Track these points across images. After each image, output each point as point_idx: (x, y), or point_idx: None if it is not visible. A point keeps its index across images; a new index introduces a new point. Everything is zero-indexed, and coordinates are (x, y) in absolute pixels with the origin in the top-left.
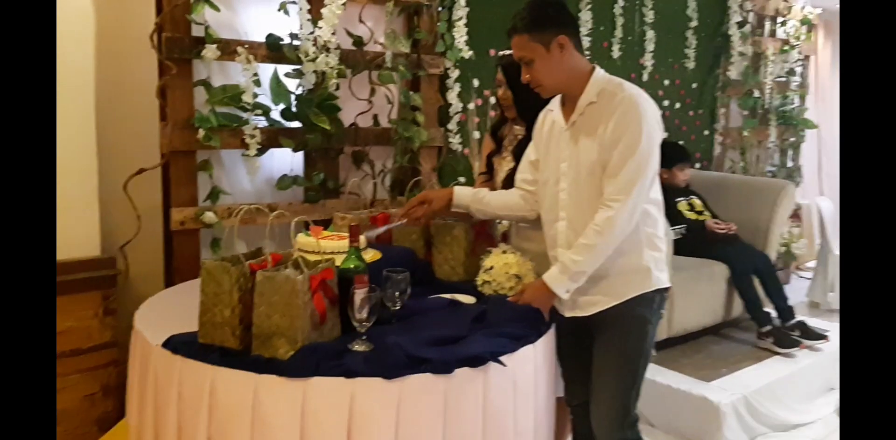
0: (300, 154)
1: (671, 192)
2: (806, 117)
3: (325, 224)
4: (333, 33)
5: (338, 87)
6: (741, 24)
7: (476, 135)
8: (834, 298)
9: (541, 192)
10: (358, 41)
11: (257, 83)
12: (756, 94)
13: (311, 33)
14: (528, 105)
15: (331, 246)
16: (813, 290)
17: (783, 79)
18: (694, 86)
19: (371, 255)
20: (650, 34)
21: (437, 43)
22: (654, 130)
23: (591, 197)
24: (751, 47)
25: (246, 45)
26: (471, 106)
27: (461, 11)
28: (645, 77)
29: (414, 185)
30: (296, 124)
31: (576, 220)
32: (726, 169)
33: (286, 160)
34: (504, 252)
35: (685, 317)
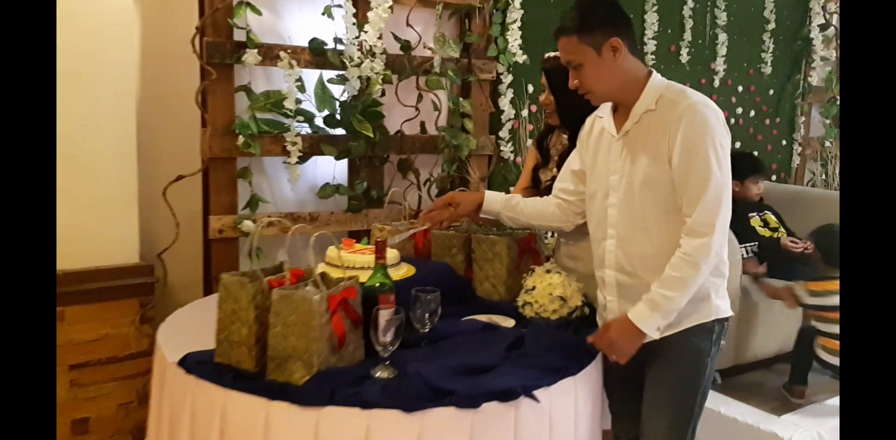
0: (344, 162)
1: (743, 207)
2: None
3: (368, 234)
4: (380, 37)
5: (383, 94)
6: (824, 27)
7: (529, 143)
8: None
9: (588, 207)
10: (405, 46)
11: (301, 89)
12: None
13: (357, 37)
14: (572, 112)
15: (355, 260)
16: None
17: None
18: (771, 92)
19: (404, 271)
20: (722, 37)
21: (490, 47)
22: (725, 141)
23: (643, 213)
24: (834, 51)
25: (289, 50)
26: (524, 112)
27: (515, 14)
28: (717, 83)
29: None
30: (340, 131)
31: (626, 238)
32: (806, 182)
33: (330, 168)
34: (548, 271)
35: (755, 343)
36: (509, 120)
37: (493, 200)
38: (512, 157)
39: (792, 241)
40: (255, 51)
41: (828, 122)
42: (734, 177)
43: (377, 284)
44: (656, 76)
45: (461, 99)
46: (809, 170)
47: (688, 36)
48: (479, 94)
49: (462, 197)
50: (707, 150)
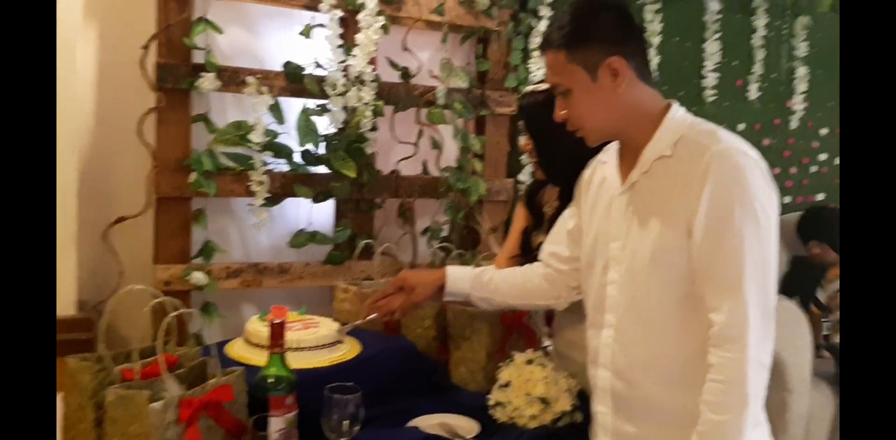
0: (328, 206)
1: (825, 271)
2: None
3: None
4: (371, 63)
5: (374, 128)
6: None
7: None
8: None
9: (583, 281)
10: (405, 73)
11: (280, 120)
12: None
13: (343, 62)
14: (559, 161)
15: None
16: None
17: None
18: None
19: (342, 353)
20: (802, 71)
21: (509, 77)
22: (769, 203)
23: (648, 299)
24: None
25: (258, 75)
26: None
27: (540, 39)
28: (794, 124)
29: (471, 244)
30: (323, 169)
31: (625, 330)
32: None
33: (314, 212)
34: (529, 361)
35: None
36: (531, 161)
37: (459, 278)
38: None
39: None
40: (213, 75)
41: None
42: (818, 236)
43: (269, 381)
44: (677, 111)
45: (472, 136)
46: None
47: (758, 68)
48: (495, 131)
49: (417, 278)
50: (743, 218)
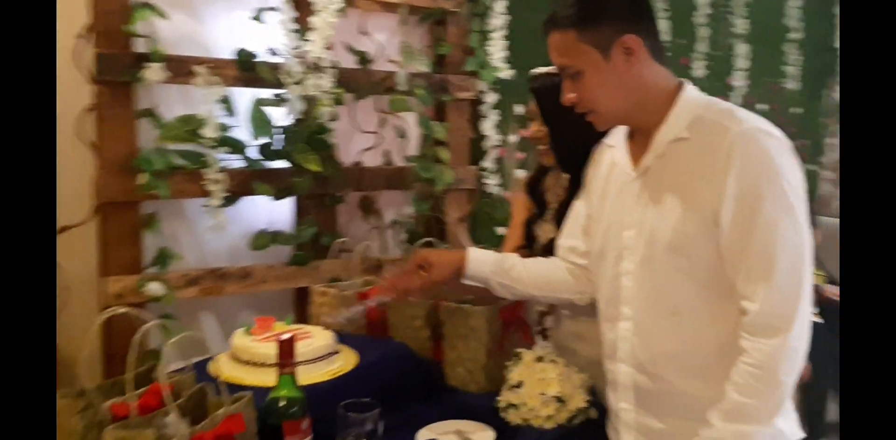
0: (289, 203)
1: None
2: None
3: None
4: (328, 48)
5: (335, 118)
6: None
7: (520, 173)
8: None
9: (595, 272)
10: (362, 58)
11: (230, 112)
12: None
13: (298, 48)
14: (574, 147)
15: (271, 354)
16: None
17: None
18: (795, 111)
19: (338, 365)
20: (742, 48)
21: (468, 60)
22: (798, 183)
23: (671, 289)
24: None
25: (208, 64)
26: (512, 138)
27: (499, 20)
28: (736, 100)
29: (437, 235)
30: (281, 164)
31: (646, 324)
32: (832, 211)
33: (272, 210)
34: (539, 359)
35: None
36: (494, 147)
37: (481, 261)
38: (499, 192)
39: (832, 289)
40: (159, 65)
41: None
42: None
43: (280, 404)
44: (690, 90)
45: (435, 123)
46: (837, 198)
47: (702, 47)
48: (456, 117)
49: (438, 257)
50: (774, 203)
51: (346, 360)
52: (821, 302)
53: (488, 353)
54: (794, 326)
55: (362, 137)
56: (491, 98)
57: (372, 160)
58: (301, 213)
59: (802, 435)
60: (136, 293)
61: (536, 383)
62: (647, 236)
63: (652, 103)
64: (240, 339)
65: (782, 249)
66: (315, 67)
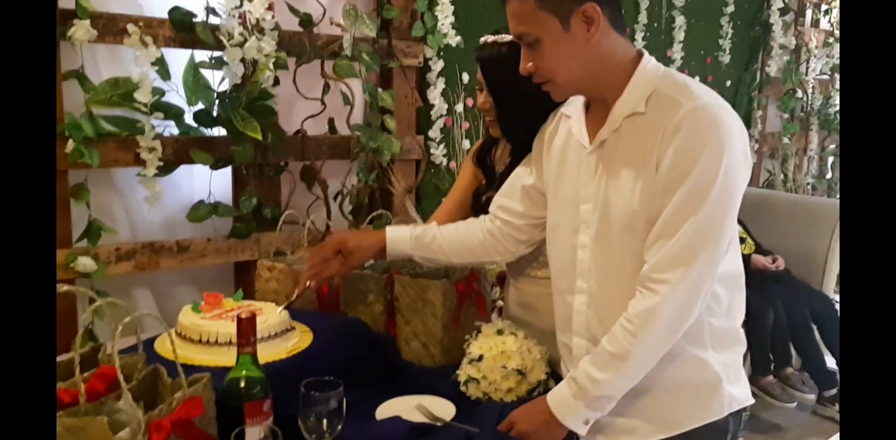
0: (227, 172)
1: None
2: None
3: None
4: (269, 8)
5: (276, 82)
6: (783, 12)
7: (466, 144)
8: None
9: (549, 244)
10: (305, 20)
11: (165, 75)
12: (799, 94)
13: (238, 8)
14: (519, 119)
15: (221, 332)
16: None
17: (826, 76)
18: (728, 83)
19: (294, 342)
20: (680, 20)
21: (415, 25)
22: (738, 166)
23: (625, 263)
24: (793, 39)
25: (141, 23)
26: (458, 107)
27: None
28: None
29: (383, 208)
30: (219, 132)
31: (601, 296)
32: (762, 181)
33: (211, 181)
34: (500, 331)
35: None
36: (441, 116)
37: (399, 240)
38: (445, 162)
39: (763, 258)
40: (87, 22)
41: (786, 116)
42: None
43: (240, 385)
44: (648, 61)
45: (380, 90)
46: (766, 169)
47: (643, 18)
48: (402, 85)
49: (355, 240)
50: (707, 172)
51: (301, 338)
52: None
53: (444, 327)
54: (682, 285)
55: (305, 104)
56: (438, 65)
57: (315, 129)
58: (240, 183)
59: (752, 401)
60: (64, 269)
61: (497, 356)
62: (602, 211)
63: (610, 74)
64: (188, 317)
65: (698, 213)
66: (257, 29)
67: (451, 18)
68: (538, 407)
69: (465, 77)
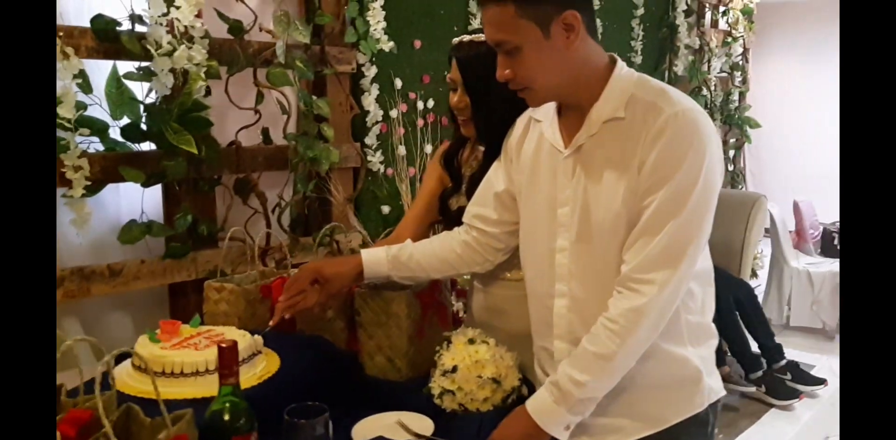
0: (156, 189)
1: None
2: (749, 116)
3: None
4: (198, 15)
5: (208, 93)
6: (687, 13)
7: (402, 151)
8: (794, 314)
9: (523, 249)
10: (236, 27)
11: (86, 89)
12: (703, 91)
13: (165, 15)
14: (496, 118)
15: (186, 361)
16: (766, 307)
17: (726, 74)
18: None
19: (261, 368)
20: (596, 23)
21: (347, 31)
22: (715, 169)
23: (608, 265)
24: (697, 39)
25: (60, 33)
26: (393, 113)
27: None
28: None
29: (322, 220)
30: (148, 146)
31: (584, 299)
32: None
33: (140, 198)
34: (471, 340)
35: None
36: (376, 123)
37: (375, 262)
38: (382, 169)
39: None
40: None
41: None
42: None
43: (225, 418)
44: (622, 67)
45: (315, 98)
46: None
47: None
48: (337, 92)
49: (331, 268)
50: (689, 175)
51: (268, 361)
52: None
53: (410, 339)
54: (668, 285)
55: (238, 115)
56: (371, 71)
57: (248, 140)
58: (173, 200)
59: (724, 392)
60: None
61: (472, 366)
62: (583, 215)
63: (587, 80)
64: (146, 348)
65: (680, 214)
66: (186, 37)
67: (384, 24)
68: (517, 419)
69: (399, 83)
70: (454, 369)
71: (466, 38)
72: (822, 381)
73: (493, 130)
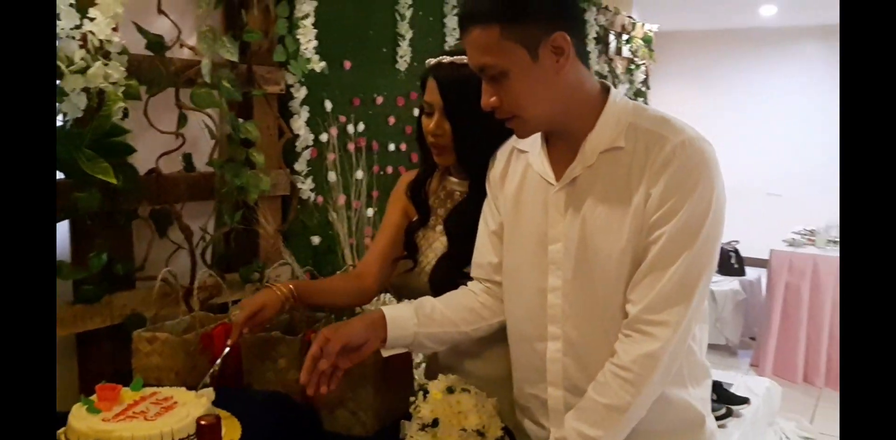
0: (62, 225)
1: None
2: None
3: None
4: (115, 29)
5: (126, 115)
6: (597, 41)
7: (332, 177)
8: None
9: (507, 288)
10: (157, 43)
11: None
12: None
13: (78, 27)
14: (478, 146)
15: (141, 436)
16: None
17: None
18: None
19: (225, 429)
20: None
21: (276, 50)
22: (723, 198)
23: (607, 306)
24: (605, 66)
25: None
26: (324, 137)
27: (307, 6)
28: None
29: (249, 253)
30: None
31: (581, 343)
32: None
33: None
34: (450, 389)
35: None
36: (306, 147)
37: (400, 317)
38: (312, 197)
39: None
40: None
41: None
42: None
43: None
44: (616, 94)
45: (242, 121)
46: None
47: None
48: (265, 114)
49: (359, 335)
50: (700, 207)
51: (228, 427)
52: None
53: (376, 389)
54: (682, 325)
55: (158, 139)
56: (301, 92)
57: (168, 167)
58: (82, 236)
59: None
60: None
61: (454, 418)
62: (576, 251)
63: (579, 108)
64: (84, 422)
65: (692, 248)
66: (101, 53)
67: (315, 42)
68: None
69: (329, 105)
70: (435, 423)
71: (446, 59)
72: (745, 400)
73: (477, 159)
